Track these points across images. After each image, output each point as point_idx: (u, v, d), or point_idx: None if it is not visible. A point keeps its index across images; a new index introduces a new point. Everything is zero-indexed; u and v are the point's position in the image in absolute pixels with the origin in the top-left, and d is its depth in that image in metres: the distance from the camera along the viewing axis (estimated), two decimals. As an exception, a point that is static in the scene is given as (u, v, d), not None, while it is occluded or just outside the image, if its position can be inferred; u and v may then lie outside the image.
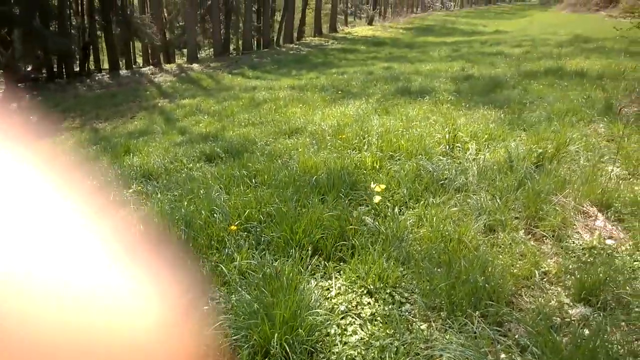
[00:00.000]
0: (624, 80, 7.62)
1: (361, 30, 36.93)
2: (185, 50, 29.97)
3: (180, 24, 30.89)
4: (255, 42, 31.32)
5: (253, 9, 30.46)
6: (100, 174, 4.91)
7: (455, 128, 4.77)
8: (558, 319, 2.18)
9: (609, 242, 2.86)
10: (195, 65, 23.51)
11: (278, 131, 6.21)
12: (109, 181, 4.58)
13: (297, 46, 29.72)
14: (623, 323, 2.13)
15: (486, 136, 4.81)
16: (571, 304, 2.29)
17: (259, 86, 13.32)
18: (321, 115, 6.96)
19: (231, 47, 31.33)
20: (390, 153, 4.45)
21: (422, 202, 3.37)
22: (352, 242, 2.84)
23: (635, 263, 2.62)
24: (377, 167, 4.14)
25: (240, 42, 30.90)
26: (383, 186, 3.40)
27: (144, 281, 0.62)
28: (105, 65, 25.13)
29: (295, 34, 33.11)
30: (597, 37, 15.55)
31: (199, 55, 28.72)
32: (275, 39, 31.94)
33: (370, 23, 40.83)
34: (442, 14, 48.16)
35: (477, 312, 2.20)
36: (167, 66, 24.74)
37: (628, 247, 2.79)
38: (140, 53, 31.78)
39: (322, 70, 16.34)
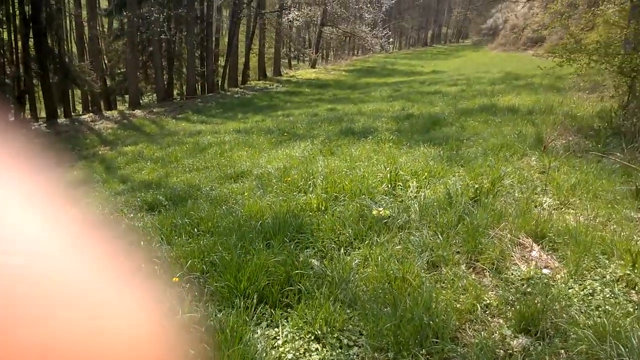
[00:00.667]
0: (552, 114, 8.12)
1: (305, 73, 37.68)
2: (127, 97, 29.50)
3: (122, 70, 30.46)
4: (199, 86, 31.24)
5: (196, 54, 30.51)
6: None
7: (396, 167, 4.90)
8: (501, 351, 2.22)
9: (545, 271, 2.98)
10: (137, 112, 23.09)
11: (223, 175, 6.15)
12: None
13: (242, 90, 29.85)
14: (562, 351, 2.20)
15: (426, 173, 4.95)
16: (512, 335, 2.35)
17: (204, 130, 13.24)
18: (267, 158, 6.98)
19: (175, 92, 31.09)
20: (335, 194, 4.49)
21: (367, 242, 3.41)
22: (298, 287, 2.81)
23: (570, 290, 2.73)
24: (323, 208, 4.17)
25: (184, 87, 30.73)
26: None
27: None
28: (43, 114, 24.30)
29: (239, 78, 33.33)
30: (527, 75, 16.54)
31: (141, 101, 28.26)
32: (219, 83, 31.95)
33: (313, 66, 41.75)
34: (382, 55, 49.86)
35: (423, 350, 2.21)
36: (108, 113, 24.18)
37: (563, 276, 2.90)
38: (80, 101, 31.01)
39: (267, 113, 16.46)
